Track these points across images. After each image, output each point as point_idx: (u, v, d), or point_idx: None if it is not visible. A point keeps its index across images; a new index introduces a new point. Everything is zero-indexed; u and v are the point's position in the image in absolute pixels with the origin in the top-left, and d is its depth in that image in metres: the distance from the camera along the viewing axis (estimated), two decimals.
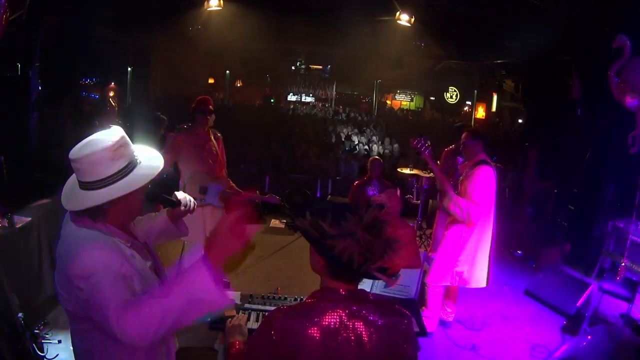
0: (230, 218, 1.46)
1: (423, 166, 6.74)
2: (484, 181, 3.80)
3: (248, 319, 2.45)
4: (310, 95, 21.36)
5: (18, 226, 3.71)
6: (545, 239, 6.42)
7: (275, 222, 7.14)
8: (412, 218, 6.64)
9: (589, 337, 3.74)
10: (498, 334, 4.33)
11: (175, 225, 1.98)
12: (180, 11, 9.26)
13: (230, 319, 1.87)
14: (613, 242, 4.69)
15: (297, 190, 7.90)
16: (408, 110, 22.79)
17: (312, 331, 1.35)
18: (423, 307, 4.11)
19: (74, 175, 1.57)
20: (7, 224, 3.62)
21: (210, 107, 4.57)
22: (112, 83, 12.66)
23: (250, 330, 1.87)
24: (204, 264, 1.39)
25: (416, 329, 2.12)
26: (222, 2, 8.33)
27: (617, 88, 4.32)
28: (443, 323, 4.27)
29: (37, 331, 3.36)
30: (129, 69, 11.75)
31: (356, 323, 1.38)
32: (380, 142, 12.46)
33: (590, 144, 5.64)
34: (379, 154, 11.17)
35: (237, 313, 2.49)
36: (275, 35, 12.09)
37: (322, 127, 14.62)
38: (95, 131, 1.58)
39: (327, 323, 1.37)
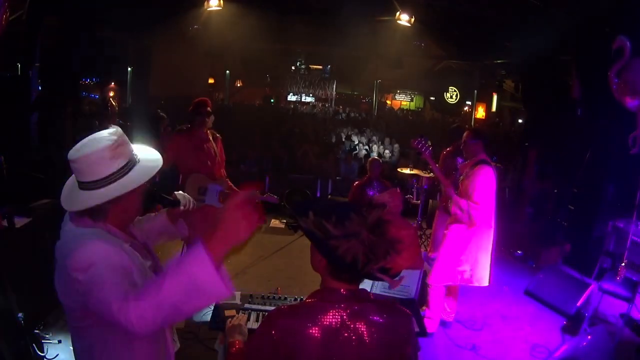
0: (240, 199, 1.31)
1: (423, 166, 6.75)
2: (484, 181, 3.81)
3: (248, 319, 2.46)
4: (310, 95, 21.37)
5: (18, 226, 3.72)
6: (545, 239, 6.42)
7: (275, 222, 7.14)
8: (412, 218, 6.64)
9: (589, 337, 3.74)
10: (498, 334, 4.33)
11: (175, 226, 1.98)
12: (180, 11, 9.25)
13: (230, 319, 1.87)
14: (613, 242, 4.69)
15: (297, 190, 7.91)
16: (408, 110, 22.81)
17: (313, 331, 1.35)
18: (424, 308, 4.12)
19: (73, 176, 1.57)
20: (7, 224, 3.63)
21: (209, 108, 4.57)
22: (112, 83, 12.69)
23: (250, 330, 1.87)
24: (205, 250, 1.28)
25: (416, 329, 2.12)
26: (222, 2, 8.33)
27: (617, 89, 4.32)
28: (443, 323, 4.27)
29: (37, 331, 3.37)
30: (129, 69, 11.76)
31: (357, 323, 1.38)
32: (380, 142, 12.46)
33: (590, 144, 5.64)
34: (379, 154, 11.17)
35: (237, 313, 2.49)
36: (275, 35, 12.09)
37: (322, 127, 14.62)
38: (95, 131, 1.58)
39: (327, 323, 1.36)
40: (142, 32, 10.18)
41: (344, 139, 12.49)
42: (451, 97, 16.46)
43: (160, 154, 1.71)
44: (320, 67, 21.05)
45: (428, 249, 5.60)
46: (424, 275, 3.79)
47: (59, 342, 3.44)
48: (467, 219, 3.88)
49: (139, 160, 1.60)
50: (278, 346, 1.34)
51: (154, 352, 1.66)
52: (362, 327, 1.38)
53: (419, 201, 6.67)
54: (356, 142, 12.43)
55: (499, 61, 11.57)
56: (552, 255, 5.83)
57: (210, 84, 20.41)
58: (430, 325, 4.03)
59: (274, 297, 2.79)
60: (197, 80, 17.29)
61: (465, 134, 4.09)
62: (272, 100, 21.81)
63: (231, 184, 4.71)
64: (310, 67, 21.07)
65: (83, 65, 6.89)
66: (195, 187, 4.33)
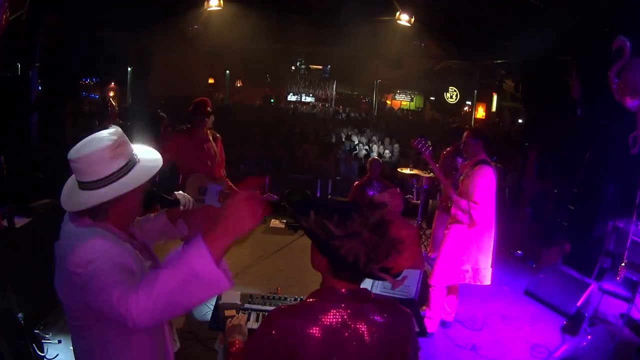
0: (247, 189, 1.31)
1: (423, 166, 6.75)
2: (484, 181, 3.82)
3: (248, 319, 2.46)
4: (310, 95, 21.36)
5: (18, 226, 3.72)
6: (545, 239, 6.42)
7: (275, 222, 7.14)
8: (412, 218, 6.64)
9: (589, 337, 3.74)
10: (498, 334, 4.33)
11: (175, 226, 1.98)
12: (180, 11, 9.25)
13: (230, 319, 1.87)
14: (613, 242, 4.69)
15: (297, 190, 7.90)
16: (408, 110, 22.82)
17: (313, 331, 1.35)
18: (424, 308, 4.12)
19: (72, 176, 1.57)
20: (7, 224, 3.63)
21: (209, 108, 4.57)
22: (112, 83, 12.69)
23: (250, 330, 1.87)
24: (204, 241, 1.26)
25: (416, 329, 2.12)
26: (222, 2, 8.33)
27: (617, 89, 4.32)
28: (443, 323, 4.27)
29: (37, 331, 3.37)
30: (129, 69, 11.74)
31: (358, 323, 1.38)
32: (380, 142, 12.46)
33: (590, 144, 5.64)
34: (379, 154, 11.17)
35: (237, 313, 2.49)
36: (275, 35, 12.09)
37: (322, 127, 14.62)
38: (95, 131, 1.57)
39: (328, 322, 1.36)
40: (142, 32, 10.17)
41: (344, 139, 12.50)
42: (451, 97, 16.45)
43: (160, 154, 1.72)
44: (320, 67, 21.05)
45: (428, 249, 5.60)
46: (425, 275, 3.80)
47: (59, 342, 3.44)
48: (467, 220, 3.89)
49: (139, 160, 1.60)
50: (278, 346, 1.34)
51: (154, 351, 1.66)
52: (362, 327, 1.38)
53: (419, 201, 6.67)
54: (356, 142, 12.43)
55: (499, 61, 11.57)
56: (552, 255, 5.83)
57: (210, 84, 20.42)
58: (430, 325, 4.03)
59: (274, 297, 2.79)
60: (197, 80, 17.30)
61: (465, 134, 4.10)
62: (272, 100, 21.81)
63: (231, 183, 4.72)
64: (310, 67, 21.06)
65: (83, 65, 6.89)
66: (195, 187, 4.34)
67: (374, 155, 10.56)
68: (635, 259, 4.19)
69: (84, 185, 1.52)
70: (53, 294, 1.53)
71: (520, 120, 16.08)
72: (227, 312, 2.51)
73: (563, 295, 4.73)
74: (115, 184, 1.51)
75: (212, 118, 4.67)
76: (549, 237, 6.40)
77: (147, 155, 1.66)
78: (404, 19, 8.61)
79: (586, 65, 5.75)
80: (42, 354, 3.22)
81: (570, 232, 5.87)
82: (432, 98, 19.66)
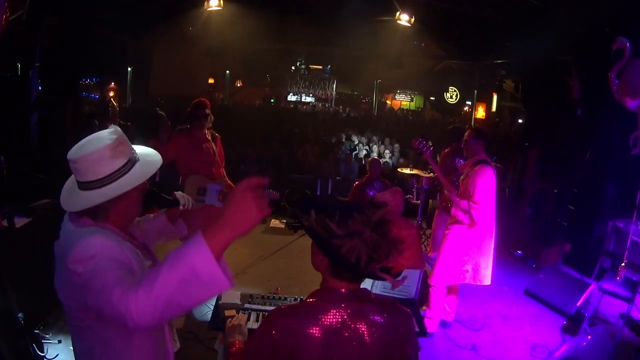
0: (251, 181, 1.26)
1: (423, 166, 6.75)
2: (484, 181, 3.82)
3: (248, 319, 2.46)
4: (310, 95, 21.36)
5: (18, 226, 3.72)
6: (545, 239, 6.42)
7: (275, 222, 7.14)
8: (412, 218, 6.64)
9: (589, 337, 3.74)
10: (498, 334, 4.33)
11: (174, 226, 1.98)
12: (180, 11, 9.26)
13: (230, 319, 1.87)
14: (613, 242, 4.69)
15: (297, 190, 7.90)
16: (408, 110, 22.82)
17: (313, 330, 1.35)
18: (424, 308, 4.12)
19: (72, 177, 1.57)
20: (7, 224, 3.63)
21: (207, 111, 4.57)
22: (112, 83, 12.69)
23: (250, 330, 1.87)
24: (203, 239, 1.23)
25: (416, 329, 2.12)
26: (222, 2, 8.34)
27: (617, 89, 4.33)
28: (443, 323, 4.27)
29: (37, 331, 3.37)
30: (129, 69, 11.75)
31: (358, 322, 1.38)
32: (380, 142, 12.46)
33: (590, 144, 5.64)
34: (379, 154, 11.17)
35: (237, 313, 2.49)
36: (275, 35, 12.10)
37: (322, 127, 14.62)
38: (95, 131, 1.58)
39: (328, 322, 1.36)
40: (142, 32, 10.19)
41: (344, 139, 12.49)
42: (451, 97, 16.46)
43: (159, 152, 1.72)
44: (320, 67, 21.04)
45: (428, 249, 5.60)
46: (425, 275, 3.80)
47: (59, 342, 3.44)
48: (467, 220, 3.89)
49: (138, 159, 1.60)
50: (278, 346, 1.34)
51: (154, 351, 1.66)
52: (362, 327, 1.38)
53: (419, 201, 6.67)
54: (356, 142, 12.43)
55: (499, 61, 11.57)
56: (552, 255, 5.83)
57: (210, 84, 20.45)
58: (430, 325, 4.04)
59: (274, 297, 2.79)
60: (197, 80, 17.33)
61: (467, 133, 4.10)
62: (272, 100, 21.82)
63: (231, 183, 4.71)
64: (310, 67, 21.06)
65: (83, 65, 6.89)
66: (194, 188, 4.34)
67: (374, 155, 10.56)
68: (635, 259, 4.20)
69: (84, 185, 1.51)
70: (53, 294, 1.53)
71: (520, 120, 16.09)
72: (227, 312, 2.51)
73: (563, 295, 4.73)
74: (115, 183, 1.51)
75: (211, 118, 4.67)
76: (549, 237, 6.39)
77: (147, 154, 1.66)
78: (404, 19, 8.62)
79: (586, 65, 5.75)
80: (42, 354, 3.22)
81: (570, 232, 5.87)
82: (432, 98, 19.68)
